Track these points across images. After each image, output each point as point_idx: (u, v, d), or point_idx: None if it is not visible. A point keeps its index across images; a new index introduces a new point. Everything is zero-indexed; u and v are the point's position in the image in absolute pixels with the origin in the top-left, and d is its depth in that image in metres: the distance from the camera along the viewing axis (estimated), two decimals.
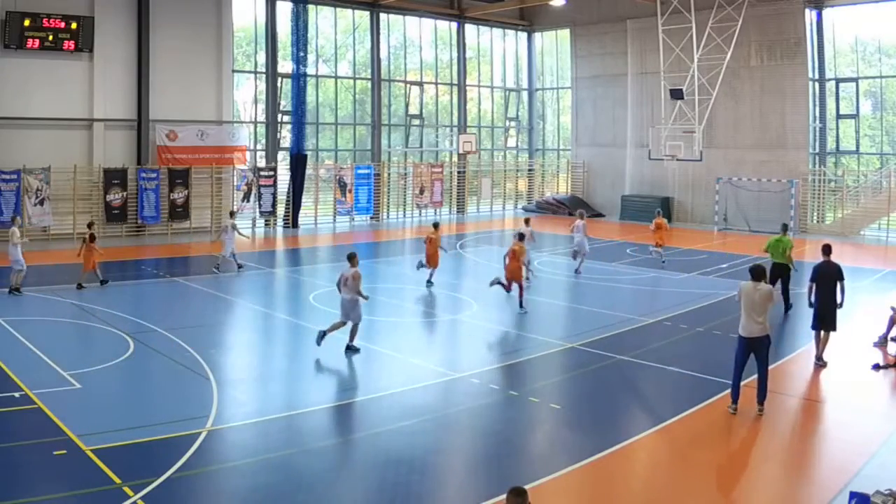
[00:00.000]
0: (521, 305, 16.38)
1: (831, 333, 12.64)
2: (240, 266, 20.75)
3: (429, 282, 19.23)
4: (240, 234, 21.67)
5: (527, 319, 15.89)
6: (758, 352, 10.26)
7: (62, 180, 25.40)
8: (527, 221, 20.67)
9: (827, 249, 13.00)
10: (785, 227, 17.21)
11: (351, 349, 13.08)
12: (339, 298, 13.27)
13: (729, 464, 9.07)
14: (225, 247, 20.53)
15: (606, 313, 16.37)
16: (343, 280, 13.16)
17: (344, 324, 13.17)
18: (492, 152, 40.54)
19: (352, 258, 13.32)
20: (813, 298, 12.69)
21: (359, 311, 13.15)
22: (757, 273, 10.34)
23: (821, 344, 12.72)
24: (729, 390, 10.52)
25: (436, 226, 20.67)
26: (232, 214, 22.08)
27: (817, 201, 31.24)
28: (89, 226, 19.13)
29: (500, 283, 16.82)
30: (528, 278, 17.80)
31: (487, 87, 40.39)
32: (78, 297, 16.86)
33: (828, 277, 12.53)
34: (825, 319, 12.54)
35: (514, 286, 16.55)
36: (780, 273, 16.02)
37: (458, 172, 37.39)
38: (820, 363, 12.64)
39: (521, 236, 17.13)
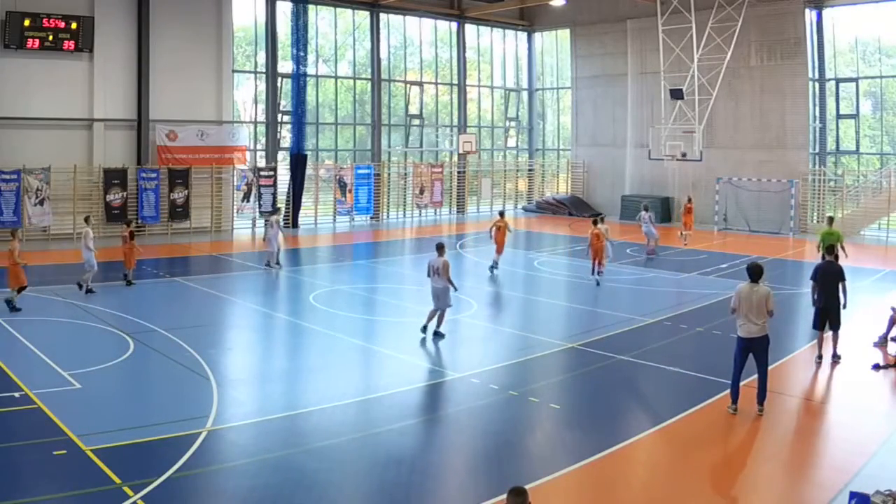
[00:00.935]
0: (599, 274, 19.46)
1: (838, 332, 12.82)
2: (268, 264, 21.35)
3: (493, 266, 20.97)
4: (280, 231, 22.05)
5: (527, 319, 15.88)
6: (757, 353, 10.25)
7: (62, 180, 25.40)
8: (601, 219, 21.63)
9: (830, 250, 13.25)
10: (831, 220, 19.34)
11: (438, 335, 13.94)
12: (430, 287, 14.09)
13: (729, 464, 9.07)
14: (271, 243, 21.31)
15: (606, 313, 16.38)
16: (433, 269, 13.95)
17: (437, 311, 13.99)
18: (492, 152, 40.54)
19: (440, 248, 14.19)
20: (815, 297, 12.83)
21: (448, 298, 13.97)
22: (754, 273, 10.31)
23: (823, 343, 12.81)
24: (729, 390, 10.52)
25: (501, 214, 22.63)
26: (276, 211, 22.60)
27: (817, 201, 31.23)
28: (128, 224, 19.32)
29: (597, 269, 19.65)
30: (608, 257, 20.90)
31: (487, 87, 40.40)
32: (78, 297, 16.85)
33: (830, 277, 12.64)
34: (830, 319, 12.68)
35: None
36: None
37: (458, 172, 37.40)
38: (837, 360, 12.76)
39: (601, 219, 20.34)
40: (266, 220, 21.88)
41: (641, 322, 15.53)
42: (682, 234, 26.78)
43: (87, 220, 18.83)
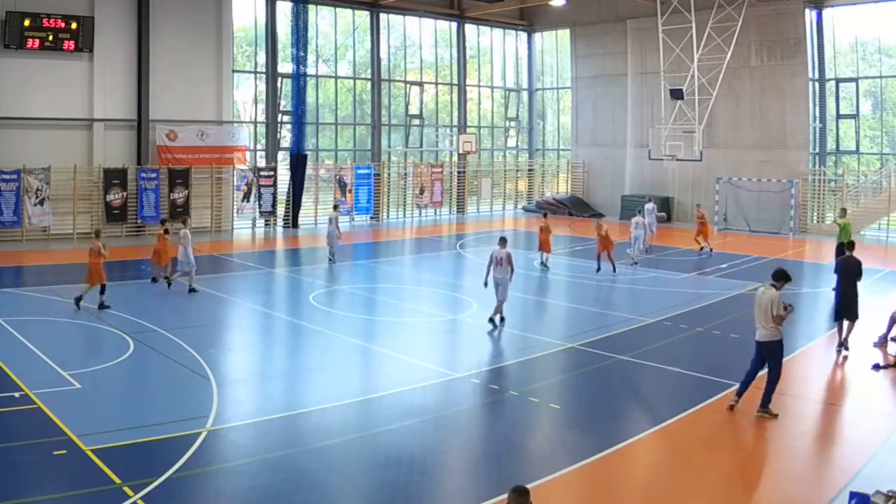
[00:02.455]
0: (613, 269, 21.04)
1: (854, 323, 13.28)
2: (331, 258, 22.20)
3: (544, 265, 21.71)
4: (338, 227, 22.73)
5: (527, 319, 15.88)
6: (767, 357, 10.29)
7: (62, 180, 25.40)
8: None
9: (851, 245, 14.07)
10: (844, 211, 20.21)
11: (503, 320, 14.94)
12: (492, 277, 14.90)
13: (729, 464, 9.06)
14: (331, 238, 22.19)
15: (606, 313, 16.37)
16: (496, 260, 14.80)
17: (502, 301, 14.90)
18: (492, 152, 40.54)
19: (503, 241, 15.18)
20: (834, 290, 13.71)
21: (507, 288, 14.88)
22: (772, 275, 10.33)
23: (845, 332, 13.30)
24: (736, 387, 10.55)
25: (545, 215, 23.39)
26: (336, 208, 23.75)
27: (817, 201, 31.24)
28: (162, 222, 19.32)
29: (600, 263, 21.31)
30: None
31: (487, 87, 40.39)
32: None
33: (851, 270, 13.34)
34: (848, 310, 13.22)
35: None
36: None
37: (458, 172, 37.39)
38: (845, 351, 13.19)
39: (599, 216, 21.97)
40: (329, 218, 22.87)
41: (641, 322, 15.53)
42: (704, 245, 25.09)
43: (184, 221, 19.13)
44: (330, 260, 22.28)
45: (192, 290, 17.62)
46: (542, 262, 21.84)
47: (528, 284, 20.30)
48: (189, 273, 17.77)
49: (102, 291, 15.83)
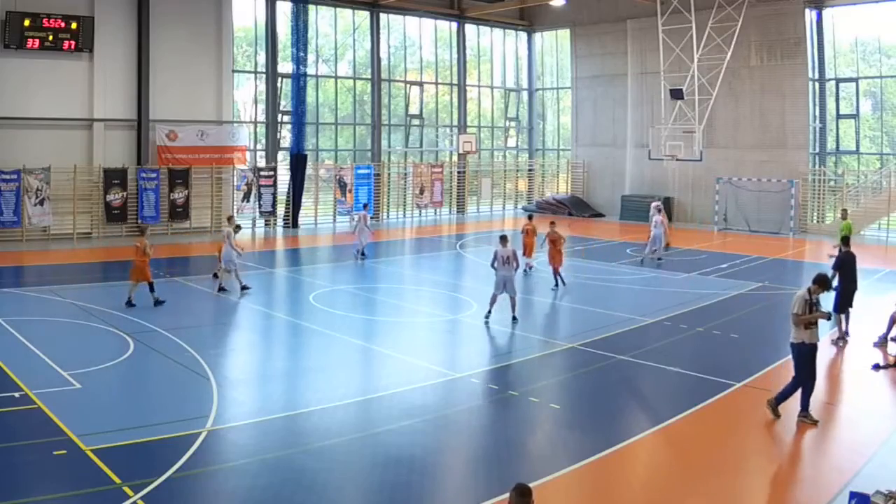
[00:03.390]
0: (560, 283, 19.18)
1: (849, 313, 14.10)
2: (363, 255, 22.67)
3: (529, 268, 20.94)
4: (367, 226, 23.20)
5: (527, 319, 15.88)
6: (792, 357, 10.28)
7: (62, 180, 25.39)
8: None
9: (846, 241, 14.65)
10: (845, 212, 20.98)
11: (515, 320, 15.14)
12: (497, 274, 15.23)
13: (728, 464, 9.06)
14: (361, 237, 22.60)
15: (606, 313, 16.37)
16: (503, 259, 15.13)
17: (495, 297, 15.21)
18: (492, 152, 40.54)
19: (504, 239, 15.43)
20: (836, 284, 13.95)
21: (514, 285, 15.39)
22: (813, 279, 10.24)
23: (843, 323, 14.01)
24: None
25: (530, 217, 22.93)
26: (366, 206, 24.39)
27: (817, 201, 31.24)
28: (229, 219, 19.22)
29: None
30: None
31: (487, 87, 40.40)
32: (78, 297, 16.85)
33: (853, 265, 14.10)
34: (847, 303, 13.93)
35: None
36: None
37: (458, 172, 37.39)
38: (847, 339, 13.96)
39: (553, 223, 20.19)
40: (358, 217, 23.29)
41: (641, 322, 15.53)
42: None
43: (229, 219, 19.23)
44: (362, 255, 22.65)
45: (221, 290, 17.78)
46: (528, 266, 20.60)
47: (527, 284, 20.29)
48: (231, 271, 17.90)
49: (152, 289, 16.07)
